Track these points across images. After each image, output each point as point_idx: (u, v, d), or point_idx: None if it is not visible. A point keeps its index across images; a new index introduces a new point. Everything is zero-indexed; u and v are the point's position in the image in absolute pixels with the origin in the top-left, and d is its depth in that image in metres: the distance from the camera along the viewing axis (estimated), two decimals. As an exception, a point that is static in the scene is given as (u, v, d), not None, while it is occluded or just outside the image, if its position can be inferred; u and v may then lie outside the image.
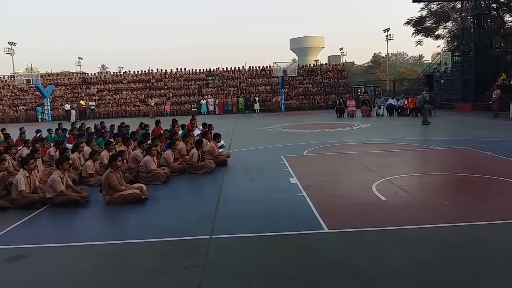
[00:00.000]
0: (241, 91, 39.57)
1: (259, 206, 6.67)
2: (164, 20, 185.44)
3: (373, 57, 73.31)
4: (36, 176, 7.76)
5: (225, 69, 43.05)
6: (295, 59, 75.23)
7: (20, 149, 10.92)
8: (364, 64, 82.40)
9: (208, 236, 5.30)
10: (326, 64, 47.50)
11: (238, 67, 43.31)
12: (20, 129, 14.54)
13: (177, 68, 42.56)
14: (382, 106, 26.78)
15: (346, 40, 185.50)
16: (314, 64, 47.87)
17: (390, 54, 68.98)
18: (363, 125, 20.30)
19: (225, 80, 41.44)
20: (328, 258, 4.56)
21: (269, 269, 4.33)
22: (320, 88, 40.24)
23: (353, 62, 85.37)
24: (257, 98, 37.44)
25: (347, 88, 40.33)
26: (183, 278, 4.19)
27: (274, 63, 36.65)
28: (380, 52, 72.77)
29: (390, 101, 26.83)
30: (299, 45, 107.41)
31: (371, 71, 68.30)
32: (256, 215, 6.19)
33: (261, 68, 43.05)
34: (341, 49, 66.03)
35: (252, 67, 43.44)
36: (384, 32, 54.70)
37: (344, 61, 57.88)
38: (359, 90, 38.83)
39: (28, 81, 34.63)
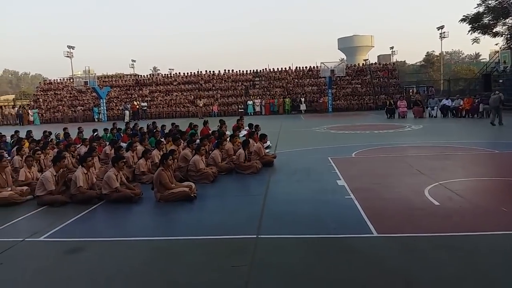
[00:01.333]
0: (287, 92, 39.49)
1: (306, 207, 6.62)
2: (214, 24, 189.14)
3: (426, 56, 70.39)
4: (93, 173, 8.18)
5: (272, 69, 43.17)
6: (343, 58, 74.01)
7: (78, 147, 11.58)
8: (416, 63, 79.43)
9: (255, 236, 5.34)
10: (375, 63, 46.29)
11: (285, 68, 43.30)
12: (78, 128, 15.43)
13: (225, 70, 43.29)
14: (436, 107, 25.66)
15: (397, 38, 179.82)
16: (363, 63, 46.82)
17: (444, 53, 66.02)
18: (415, 127, 19.56)
19: (271, 81, 41.53)
20: (377, 263, 4.44)
21: (317, 272, 4.29)
22: (369, 88, 39.27)
23: (404, 61, 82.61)
24: (303, 99, 37.19)
25: (398, 88, 39.04)
26: (231, 276, 4.25)
27: (321, 63, 36.31)
28: (433, 51, 69.82)
29: (445, 101, 25.62)
30: (347, 45, 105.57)
31: (424, 70, 65.61)
32: (303, 216, 6.15)
33: (308, 68, 42.73)
34: (392, 48, 64.17)
35: (299, 67, 43.25)
36: (438, 30, 52.42)
37: (394, 60, 56.15)
38: (410, 90, 37.42)
39: (85, 82, 36.65)
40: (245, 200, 7.51)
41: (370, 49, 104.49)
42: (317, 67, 41.41)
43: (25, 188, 8.05)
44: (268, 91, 39.94)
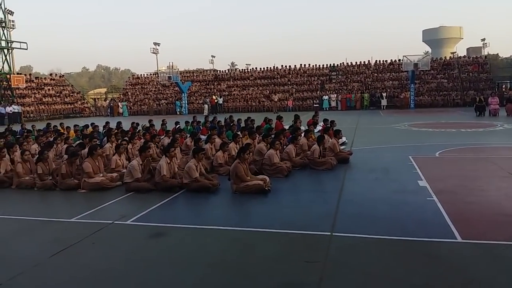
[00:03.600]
0: (366, 87, 38.20)
1: (383, 207, 6.39)
2: (290, 17, 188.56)
3: (524, 47, 63.50)
4: (175, 163, 8.66)
5: (349, 64, 42.03)
6: (428, 51, 69.68)
7: (162, 138, 12.32)
8: (511, 56, 72.01)
9: (329, 233, 5.28)
10: (464, 56, 42.89)
11: (364, 62, 41.93)
12: (162, 120, 16.42)
13: (300, 64, 43.09)
14: (534, 104, 23.12)
15: (489, 29, 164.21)
16: (450, 56, 43.73)
17: (547, 44, 58.84)
18: (508, 126, 17.83)
19: (349, 75, 40.47)
20: (460, 270, 4.16)
21: (394, 274, 4.13)
22: (456, 83, 36.52)
23: (497, 54, 74.99)
24: (384, 94, 35.67)
25: (489, 83, 35.85)
26: (304, 271, 4.26)
27: (404, 56, 34.52)
28: (533, 42, 62.64)
29: (545, 98, 23.00)
30: (433, 37, 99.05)
31: (521, 64, 59.24)
32: (380, 216, 5.95)
33: (389, 62, 40.90)
34: (483, 40, 58.76)
35: (379, 61, 41.57)
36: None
37: (486, 53, 51.44)
38: (503, 86, 34.21)
39: (169, 77, 38.81)
40: (319, 196, 7.45)
41: (458, 41, 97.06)
42: (399, 60, 39.50)
43: (115, 174, 8.77)
44: (345, 85, 38.98)
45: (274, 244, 5.05)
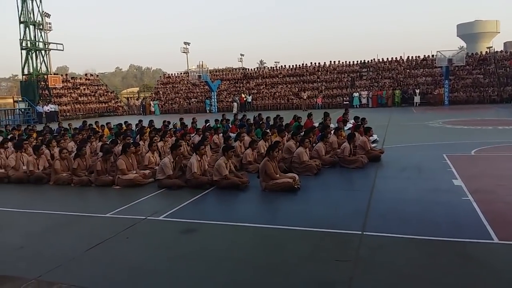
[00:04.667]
0: (397, 83, 37.33)
1: (416, 207, 6.25)
2: (319, 14, 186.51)
3: None
4: (205, 160, 8.78)
5: (380, 60, 41.21)
6: (462, 46, 67.27)
7: (192, 136, 12.51)
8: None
9: (360, 232, 5.22)
10: (501, 51, 41.10)
11: (396, 58, 40.94)
12: (193, 118, 16.69)
13: (330, 61, 42.60)
14: None
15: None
16: (486, 51, 42.03)
17: None
18: (551, 123, 17.00)
19: (380, 72, 39.66)
20: (497, 272, 4.03)
21: (427, 275, 4.04)
22: (493, 79, 35.11)
23: (538, 47, 71.78)
24: (418, 91, 34.73)
25: (529, 78, 34.23)
26: (335, 269, 4.24)
27: (437, 51, 33.52)
28: None
29: None
30: (468, 31, 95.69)
31: None
32: (412, 216, 5.82)
33: (422, 57, 39.80)
34: (523, 33, 56.21)
35: (411, 57, 40.51)
36: None
37: (526, 47, 49.18)
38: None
39: (199, 76, 39.32)
40: (350, 195, 7.36)
41: (495, 35, 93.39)
42: (432, 56, 38.37)
43: (147, 171, 8.99)
44: (376, 82, 38.22)
45: (304, 242, 5.04)
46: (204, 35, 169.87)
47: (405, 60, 40.48)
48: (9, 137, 13.22)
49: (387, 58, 41.08)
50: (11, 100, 41.35)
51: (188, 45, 54.86)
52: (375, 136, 12.62)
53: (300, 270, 4.28)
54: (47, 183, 9.25)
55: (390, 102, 35.43)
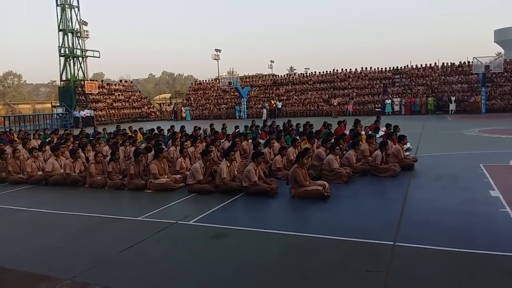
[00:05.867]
0: (432, 90, 36.35)
1: (451, 218, 6.04)
2: (351, 19, 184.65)
3: None
4: (235, 166, 8.83)
5: (414, 66, 40.30)
6: (500, 52, 64.97)
7: (222, 142, 12.62)
8: None
9: (392, 243, 5.09)
10: (544, 57, 39.36)
11: (430, 64, 39.90)
12: (223, 124, 16.86)
13: (362, 67, 42.04)
14: None
15: None
16: (527, 57, 40.26)
17: None
18: None
19: (413, 78, 38.75)
20: (541, 290, 3.82)
21: (462, 289, 3.90)
22: (534, 86, 33.60)
23: None
24: (453, 98, 33.68)
25: None
26: (366, 280, 4.15)
27: (474, 58, 32.40)
28: None
29: None
30: (506, 37, 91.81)
31: None
32: (448, 227, 5.63)
33: (457, 64, 38.63)
34: None
35: (446, 63, 39.38)
36: None
37: None
38: None
39: (229, 83, 39.75)
40: (381, 204, 7.20)
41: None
42: (468, 62, 37.16)
43: (178, 176, 9.13)
44: (410, 89, 37.36)
45: (334, 251, 4.97)
46: (235, 42, 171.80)
47: (439, 67, 39.41)
48: (47, 140, 13.77)
49: (421, 65, 40.13)
50: (49, 105, 43.08)
51: (219, 52, 55.61)
52: (408, 144, 12.32)
53: (329, 279, 4.22)
54: (82, 186, 9.57)
55: (424, 109, 34.53)
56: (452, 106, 33.21)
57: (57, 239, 5.91)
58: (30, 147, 12.19)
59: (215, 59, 56.00)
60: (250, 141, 12.55)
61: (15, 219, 7.15)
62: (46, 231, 6.37)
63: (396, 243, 5.08)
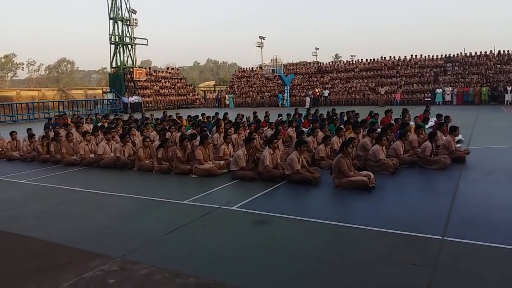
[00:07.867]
0: (486, 79, 34.34)
1: (503, 213, 5.73)
2: (399, 5, 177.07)
3: None
4: (278, 154, 8.84)
5: (468, 54, 38.17)
6: None
7: (265, 130, 12.65)
8: None
9: (440, 237, 4.91)
10: None
11: (485, 52, 37.63)
12: (266, 112, 16.87)
13: (411, 55, 40.38)
14: None
15: None
16: None
17: None
18: None
19: (467, 67, 36.75)
20: None
21: (516, 289, 3.71)
22: None
23: None
24: (509, 88, 31.65)
25: None
26: (412, 274, 4.04)
27: (535, 45, 30.17)
28: None
29: None
30: None
31: None
32: (499, 223, 5.35)
33: (516, 52, 36.16)
34: None
35: (503, 51, 36.96)
36: None
37: None
38: None
39: (273, 70, 39.60)
40: (429, 198, 6.95)
41: None
42: (528, 50, 34.70)
43: (222, 162, 9.28)
44: (462, 78, 35.49)
45: (379, 243, 4.87)
46: (279, 29, 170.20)
47: (495, 55, 37.07)
48: (99, 125, 14.42)
49: (475, 52, 37.94)
50: (100, 91, 44.99)
51: (263, 39, 55.28)
52: (460, 136, 11.76)
53: (373, 271, 4.15)
54: (131, 169, 9.97)
55: (478, 99, 32.72)
56: (508, 97, 31.21)
57: (108, 219, 6.22)
58: (83, 130, 12.83)
59: (259, 46, 55.72)
60: (295, 128, 12.47)
61: (69, 199, 7.58)
62: (97, 211, 6.71)
63: (445, 238, 4.89)
